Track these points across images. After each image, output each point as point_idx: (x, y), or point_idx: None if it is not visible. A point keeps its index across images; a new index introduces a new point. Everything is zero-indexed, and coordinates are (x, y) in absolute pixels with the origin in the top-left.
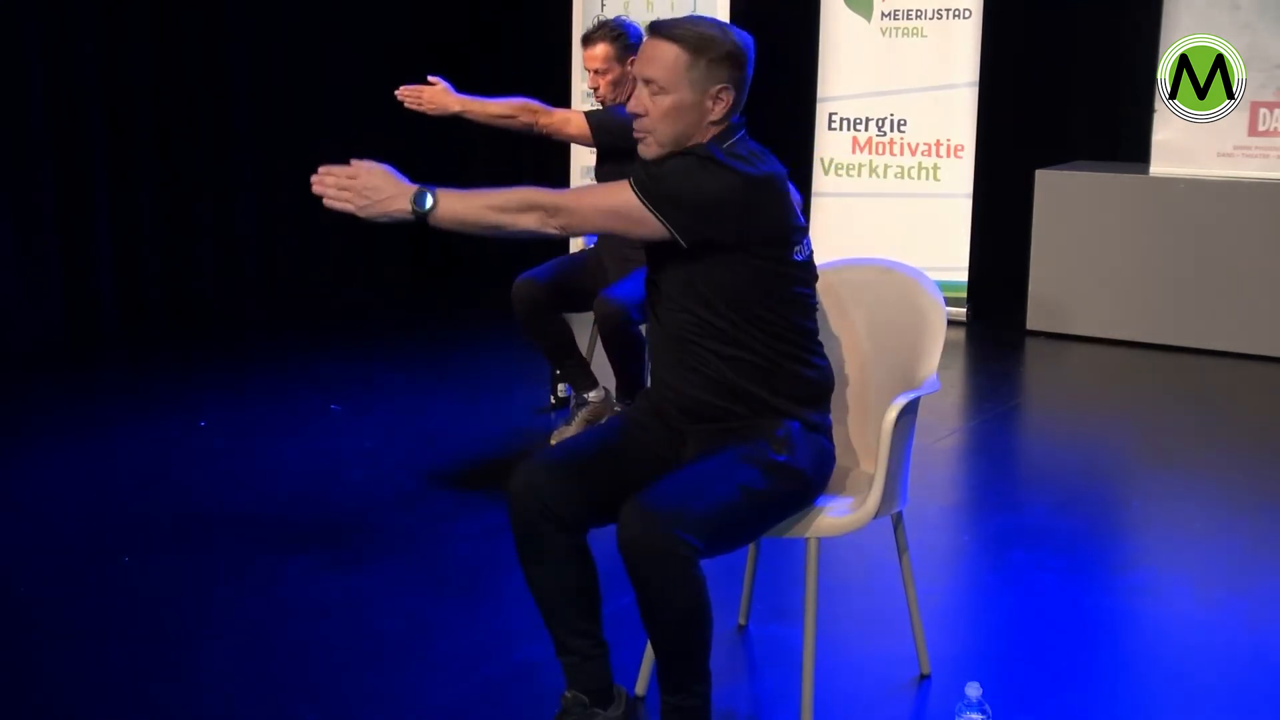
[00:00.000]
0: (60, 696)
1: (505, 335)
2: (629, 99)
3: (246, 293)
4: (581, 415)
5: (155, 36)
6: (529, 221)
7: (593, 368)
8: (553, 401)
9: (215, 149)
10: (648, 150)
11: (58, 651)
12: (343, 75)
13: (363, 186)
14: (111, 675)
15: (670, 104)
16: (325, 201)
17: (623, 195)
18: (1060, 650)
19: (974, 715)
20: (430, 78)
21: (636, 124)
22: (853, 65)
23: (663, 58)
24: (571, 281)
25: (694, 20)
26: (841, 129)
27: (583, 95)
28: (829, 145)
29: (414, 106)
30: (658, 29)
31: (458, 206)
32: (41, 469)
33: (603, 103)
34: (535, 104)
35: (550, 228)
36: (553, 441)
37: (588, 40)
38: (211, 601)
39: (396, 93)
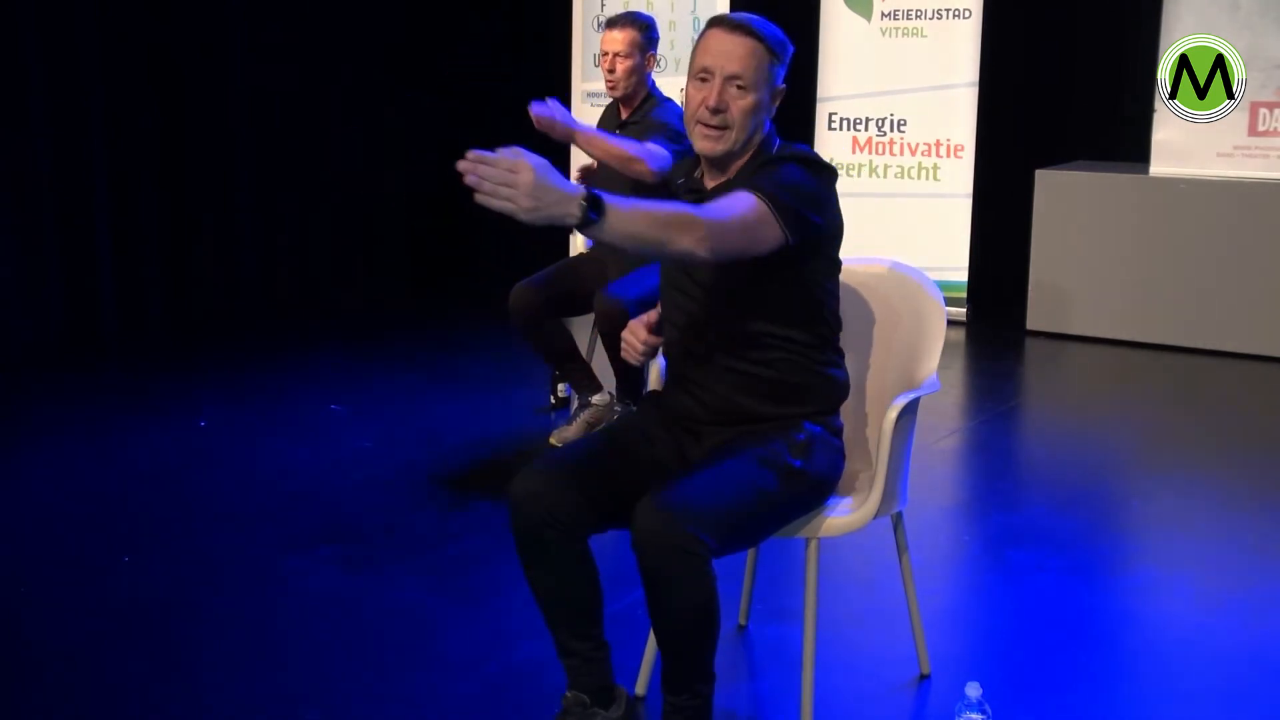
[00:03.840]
0: (60, 697)
1: (505, 335)
2: (636, 92)
3: (246, 293)
4: (583, 417)
5: (155, 37)
6: (687, 242)
7: (593, 367)
8: (553, 401)
9: (215, 148)
10: (717, 146)
11: (58, 651)
12: (342, 74)
13: (531, 187)
14: (112, 675)
15: (753, 102)
16: (480, 198)
17: (754, 206)
18: (1060, 650)
19: (974, 715)
20: (550, 101)
21: (709, 119)
22: (853, 65)
23: (747, 55)
24: (569, 286)
25: (758, 18)
26: (841, 129)
27: (583, 95)
28: (829, 145)
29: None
30: (735, 24)
31: (625, 219)
32: (41, 469)
33: (614, 88)
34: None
35: (702, 250)
36: (552, 441)
37: (613, 23)
38: (211, 601)
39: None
